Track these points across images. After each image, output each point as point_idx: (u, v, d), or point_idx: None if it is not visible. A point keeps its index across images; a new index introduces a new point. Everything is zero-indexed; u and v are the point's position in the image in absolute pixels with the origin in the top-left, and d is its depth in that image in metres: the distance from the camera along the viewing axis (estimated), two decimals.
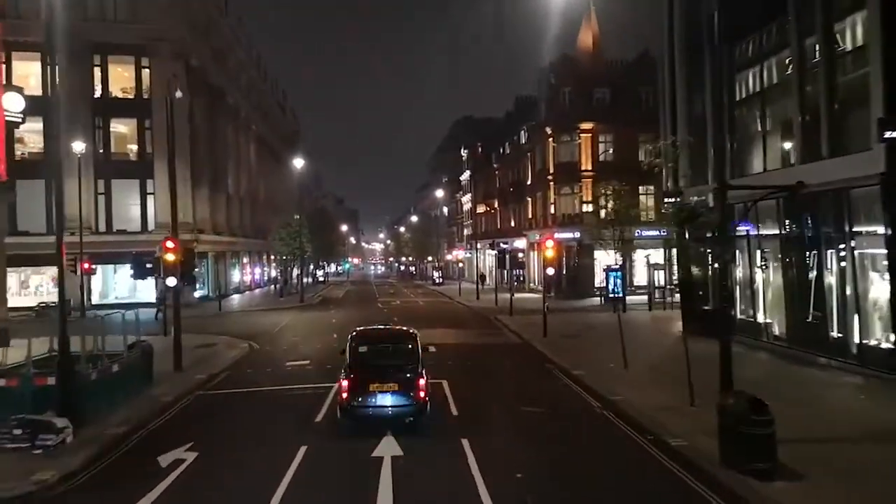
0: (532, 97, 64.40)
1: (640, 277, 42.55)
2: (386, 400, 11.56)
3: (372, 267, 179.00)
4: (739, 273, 21.55)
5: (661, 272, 38.91)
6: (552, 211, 45.66)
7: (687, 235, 17.56)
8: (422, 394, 11.62)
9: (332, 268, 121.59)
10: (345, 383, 11.61)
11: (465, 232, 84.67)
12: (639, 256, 38.79)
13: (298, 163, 45.75)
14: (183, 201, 42.85)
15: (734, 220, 15.39)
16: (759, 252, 20.33)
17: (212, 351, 21.99)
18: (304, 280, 67.88)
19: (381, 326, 16.32)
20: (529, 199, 51.86)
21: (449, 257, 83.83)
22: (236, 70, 57.94)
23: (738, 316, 21.37)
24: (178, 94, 16.32)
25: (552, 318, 25.70)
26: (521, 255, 52.61)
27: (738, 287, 21.59)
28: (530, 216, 51.74)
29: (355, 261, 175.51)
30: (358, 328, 13.91)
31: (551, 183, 45.59)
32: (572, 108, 43.97)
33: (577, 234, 43.89)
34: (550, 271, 24.12)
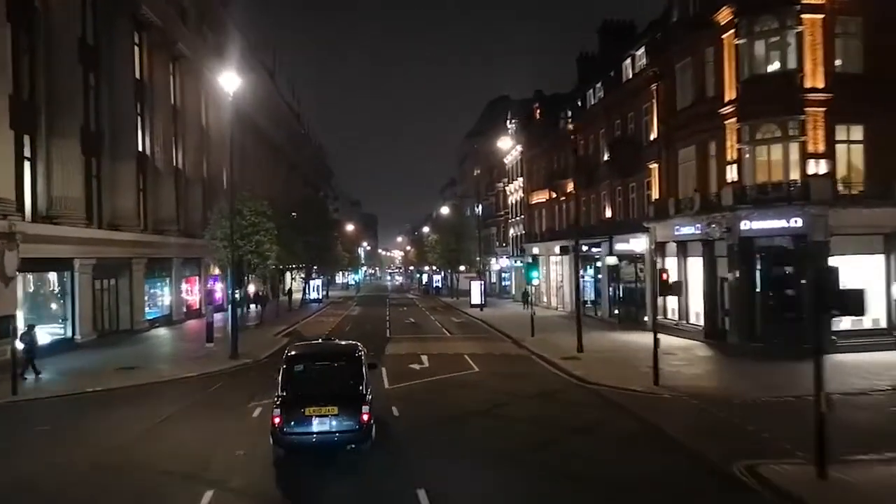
0: (629, 22, 42.30)
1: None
2: (324, 425, 10.62)
3: (389, 277, 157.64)
4: None
5: None
6: (733, 176, 23.20)
7: None
8: (365, 417, 10.70)
9: (343, 278, 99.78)
10: (277, 408, 10.65)
11: (512, 232, 62.42)
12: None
13: (231, 83, 23.37)
14: None
15: None
16: None
17: None
18: (259, 305, 46.06)
19: (320, 341, 14.79)
20: (655, 166, 29.34)
21: (495, 267, 61.32)
22: None
23: None
24: None
25: None
26: (639, 264, 30.29)
27: None
28: (657, 196, 29.23)
29: (370, 271, 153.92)
30: (296, 345, 13.27)
31: (731, 120, 23.19)
32: None
33: (799, 223, 21.46)
34: None
